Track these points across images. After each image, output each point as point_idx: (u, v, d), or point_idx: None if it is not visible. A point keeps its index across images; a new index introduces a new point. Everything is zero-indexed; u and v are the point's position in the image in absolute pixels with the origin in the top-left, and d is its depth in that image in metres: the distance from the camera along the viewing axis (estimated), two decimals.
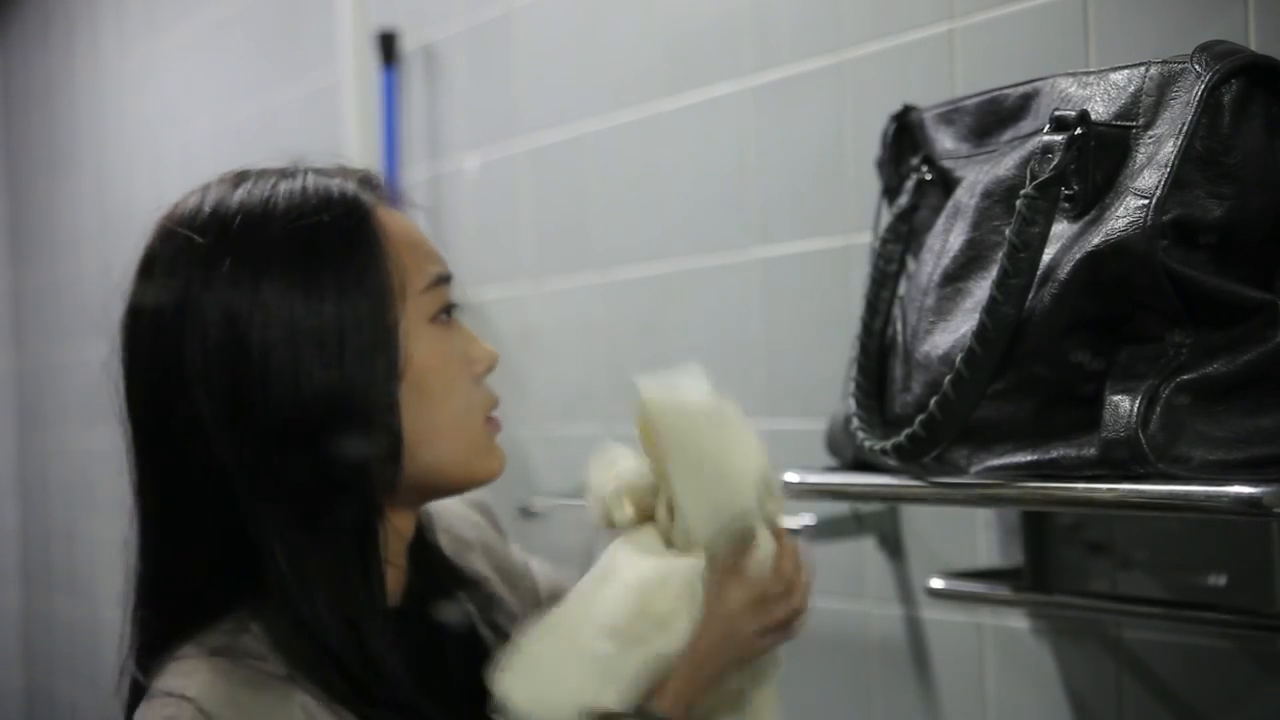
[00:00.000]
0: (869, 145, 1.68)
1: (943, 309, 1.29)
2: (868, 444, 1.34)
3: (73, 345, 4.17)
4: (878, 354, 1.40)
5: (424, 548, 1.18)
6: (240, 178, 1.11)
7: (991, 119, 1.34)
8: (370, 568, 1.05)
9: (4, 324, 4.69)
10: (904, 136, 1.45)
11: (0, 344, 4.70)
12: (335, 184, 1.11)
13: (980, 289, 1.24)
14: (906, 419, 1.29)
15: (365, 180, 1.14)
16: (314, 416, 1.02)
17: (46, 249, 4.40)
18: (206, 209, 1.08)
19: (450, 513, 1.29)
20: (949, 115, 1.39)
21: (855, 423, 1.37)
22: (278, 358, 1.02)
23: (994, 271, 1.19)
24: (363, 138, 2.65)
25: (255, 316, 1.03)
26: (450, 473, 1.11)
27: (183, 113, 3.48)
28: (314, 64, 2.88)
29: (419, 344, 1.07)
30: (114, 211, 3.89)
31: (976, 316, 1.19)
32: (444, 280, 1.10)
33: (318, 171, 1.13)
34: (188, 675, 1.00)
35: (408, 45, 2.57)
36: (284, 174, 1.11)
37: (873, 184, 1.63)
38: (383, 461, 1.05)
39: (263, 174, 1.11)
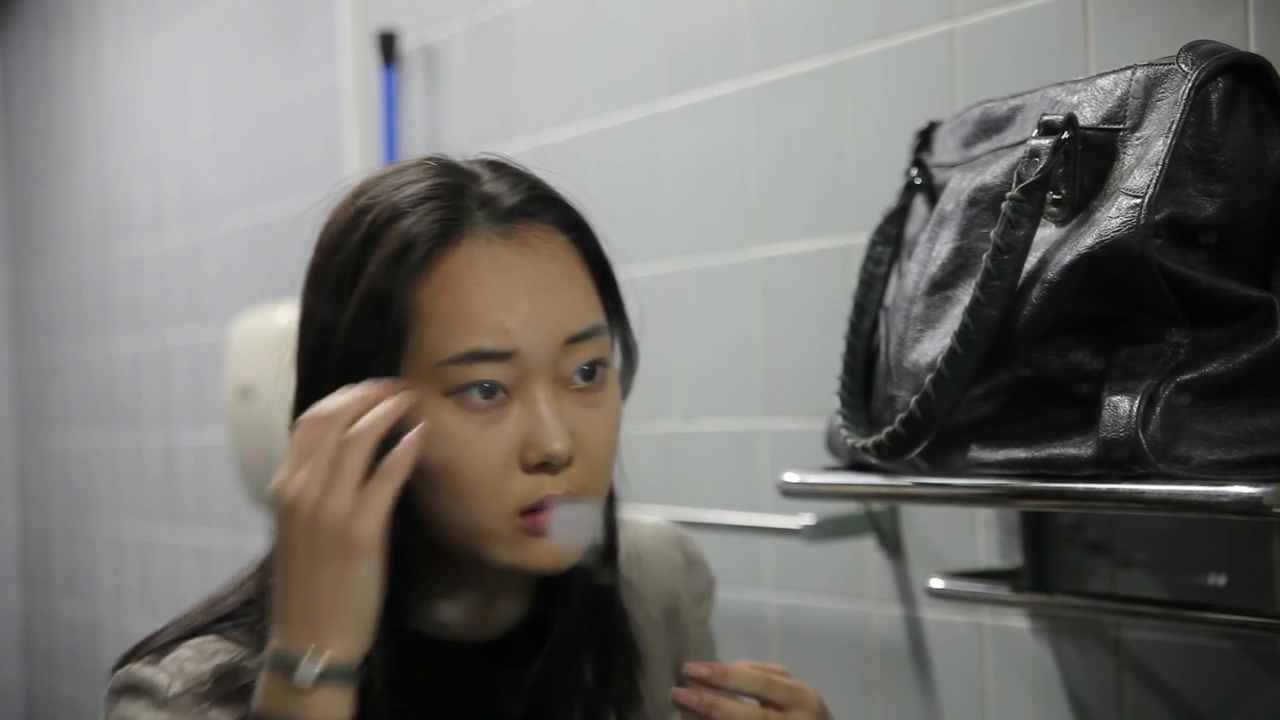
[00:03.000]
0: (869, 145, 1.68)
1: (931, 317, 1.30)
2: (850, 441, 1.34)
3: (73, 345, 4.16)
4: (864, 354, 1.41)
5: (557, 591, 1.12)
6: (368, 183, 1.09)
7: (980, 129, 1.34)
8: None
9: (4, 324, 4.69)
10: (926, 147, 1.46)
11: (0, 344, 4.70)
12: (411, 219, 1.03)
13: (969, 296, 1.24)
14: (891, 420, 1.29)
15: (492, 203, 1.06)
16: None
17: (46, 249, 4.40)
18: (334, 208, 1.10)
19: (648, 541, 1.25)
20: (955, 125, 1.40)
21: (840, 420, 1.38)
22: (302, 372, 1.07)
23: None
24: (363, 138, 2.66)
25: (305, 326, 1.08)
26: (470, 549, 1.04)
27: (183, 113, 3.48)
28: (314, 64, 2.88)
29: (415, 413, 1.00)
30: (114, 211, 3.89)
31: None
32: (479, 356, 1.01)
33: (434, 182, 1.06)
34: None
35: (408, 45, 2.57)
36: (374, 196, 1.07)
37: (873, 184, 1.64)
38: None
39: (381, 182, 1.08)
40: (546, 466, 1.02)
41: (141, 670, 1.07)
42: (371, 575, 0.97)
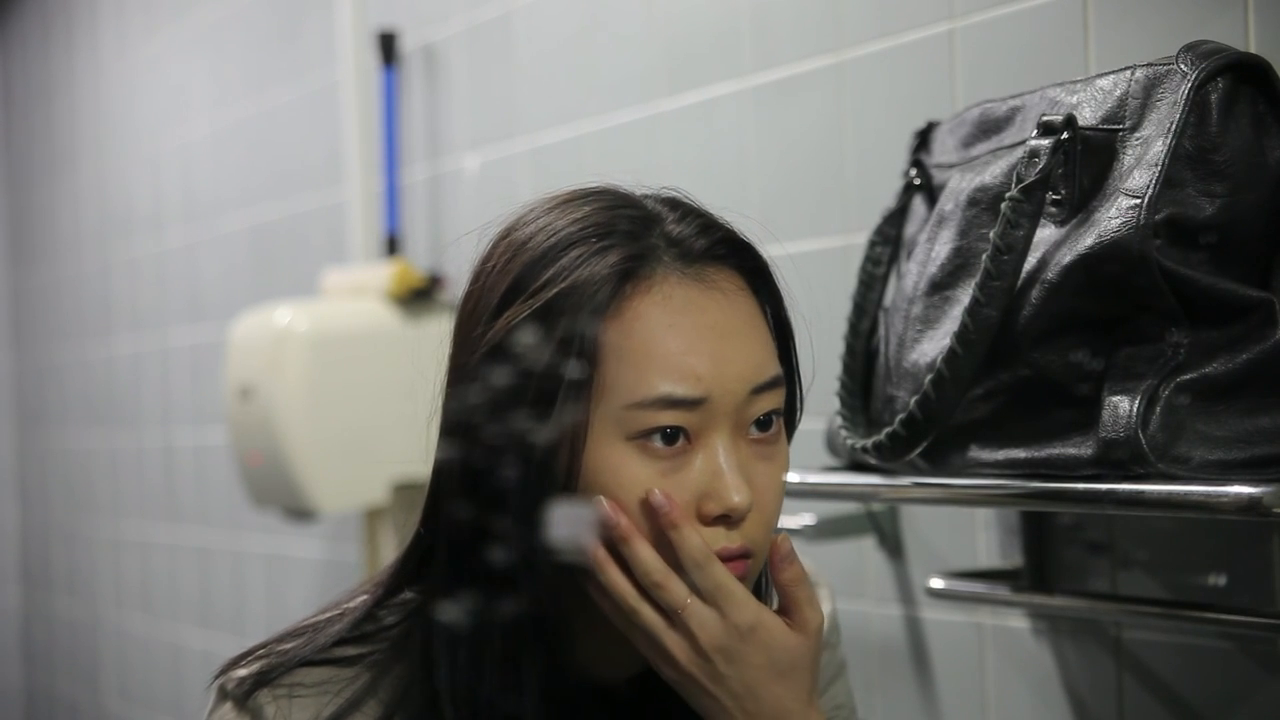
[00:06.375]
0: (869, 145, 1.68)
1: (930, 317, 1.30)
2: (850, 442, 1.34)
3: (73, 345, 4.17)
4: (864, 355, 1.41)
5: None
6: (535, 211, 1.04)
7: (979, 129, 1.34)
8: (517, 626, 1.01)
9: (4, 324, 4.69)
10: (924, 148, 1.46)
11: (0, 344, 4.70)
12: (597, 254, 0.99)
13: (969, 296, 1.24)
14: (890, 421, 1.29)
15: (682, 243, 1.01)
16: (487, 454, 1.00)
17: (46, 249, 4.40)
18: (501, 232, 1.06)
19: None
20: (954, 125, 1.40)
21: (839, 421, 1.38)
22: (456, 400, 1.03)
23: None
24: (363, 138, 2.66)
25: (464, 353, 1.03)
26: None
27: (182, 113, 3.48)
28: (314, 64, 2.88)
29: (595, 455, 0.98)
30: (114, 211, 3.89)
31: None
32: (669, 402, 0.97)
33: (612, 215, 1.01)
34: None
35: (408, 45, 2.57)
36: (546, 225, 1.02)
37: (873, 184, 1.64)
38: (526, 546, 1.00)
39: (553, 211, 1.03)
40: (725, 519, 0.99)
41: (258, 697, 1.03)
42: None
